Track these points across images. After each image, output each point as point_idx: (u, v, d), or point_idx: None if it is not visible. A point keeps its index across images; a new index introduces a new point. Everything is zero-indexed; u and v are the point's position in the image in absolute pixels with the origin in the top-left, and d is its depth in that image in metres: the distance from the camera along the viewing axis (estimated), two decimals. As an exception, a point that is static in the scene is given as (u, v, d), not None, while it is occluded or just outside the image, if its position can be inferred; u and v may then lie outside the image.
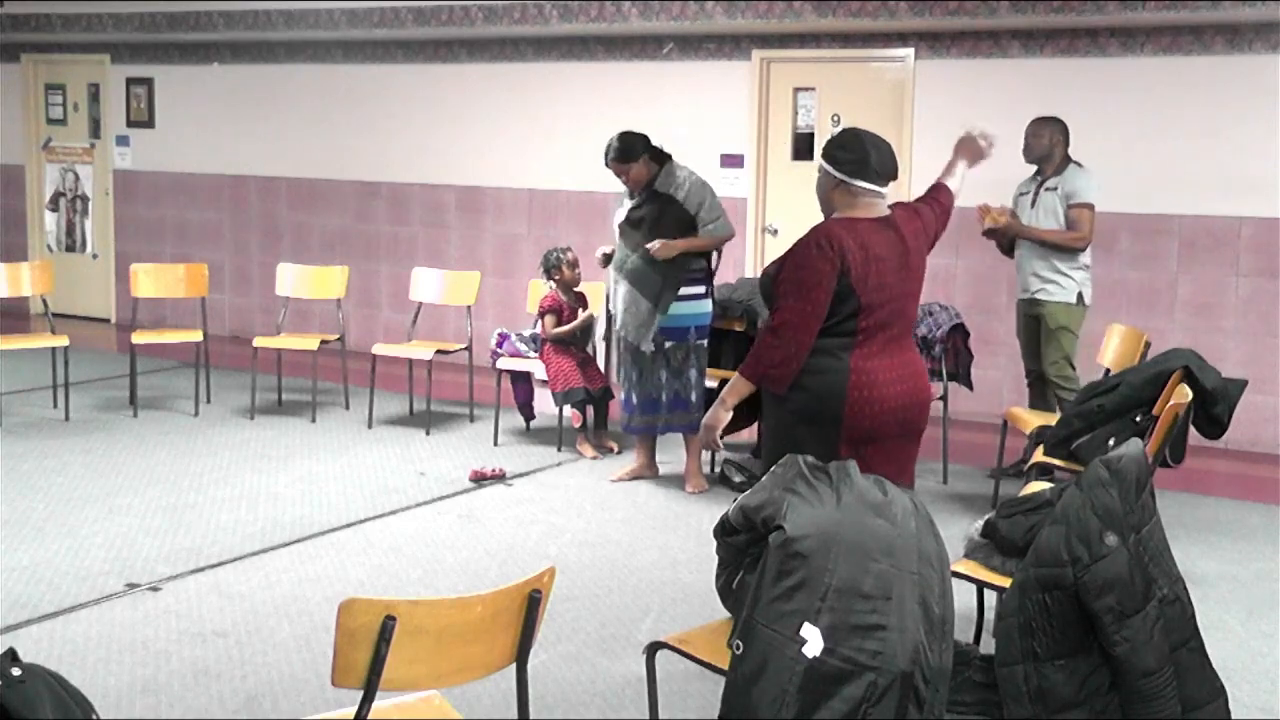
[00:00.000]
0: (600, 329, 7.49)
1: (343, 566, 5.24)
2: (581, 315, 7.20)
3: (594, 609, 4.82)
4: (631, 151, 6.32)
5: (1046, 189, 6.61)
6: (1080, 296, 6.58)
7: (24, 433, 7.34)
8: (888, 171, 3.96)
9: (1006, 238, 6.72)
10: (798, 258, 3.89)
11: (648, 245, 6.27)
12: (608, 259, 6.58)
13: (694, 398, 6.43)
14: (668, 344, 6.36)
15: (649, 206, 6.34)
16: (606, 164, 6.41)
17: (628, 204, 6.46)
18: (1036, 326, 6.71)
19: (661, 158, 6.40)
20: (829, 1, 7.96)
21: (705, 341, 6.49)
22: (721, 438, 4.05)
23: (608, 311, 6.70)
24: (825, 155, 4.01)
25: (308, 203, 10.52)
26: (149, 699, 3.98)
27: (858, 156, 3.92)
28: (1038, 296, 6.63)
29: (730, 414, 3.96)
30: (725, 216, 6.41)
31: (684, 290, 6.36)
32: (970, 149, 4.38)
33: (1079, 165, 6.62)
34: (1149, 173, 7.67)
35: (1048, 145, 6.61)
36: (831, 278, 3.81)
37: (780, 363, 3.85)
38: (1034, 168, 6.72)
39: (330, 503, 6.13)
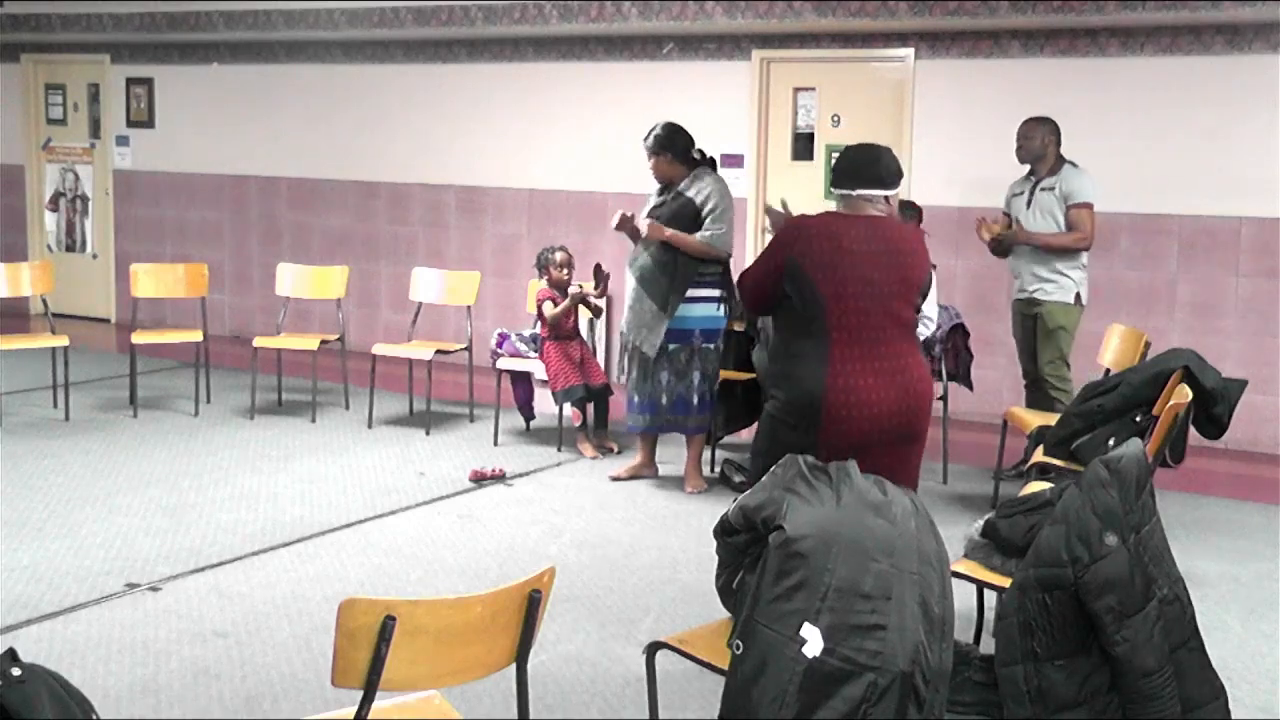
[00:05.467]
0: (600, 315, 7.52)
1: (342, 567, 5.24)
2: (571, 291, 7.13)
3: (594, 609, 4.82)
4: (661, 144, 6.36)
5: (1043, 189, 6.58)
6: (1078, 296, 6.58)
7: (24, 433, 7.33)
8: (875, 176, 4.13)
9: (1005, 246, 6.71)
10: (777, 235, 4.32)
11: (636, 221, 6.25)
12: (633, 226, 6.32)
13: (695, 400, 6.40)
14: (671, 346, 6.31)
15: (668, 204, 6.33)
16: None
17: (653, 200, 6.45)
18: (1033, 326, 6.69)
19: (693, 163, 6.38)
20: (829, 1, 7.96)
21: (714, 346, 6.39)
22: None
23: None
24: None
25: (308, 203, 10.52)
26: (149, 699, 3.98)
27: (846, 166, 4.19)
28: (1035, 296, 6.61)
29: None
30: (729, 234, 6.33)
31: (692, 292, 6.30)
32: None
33: (1074, 165, 6.60)
34: (1149, 173, 7.67)
35: (1040, 146, 6.59)
36: (780, 255, 4.10)
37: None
38: (1026, 168, 6.70)
39: (330, 503, 6.13)
